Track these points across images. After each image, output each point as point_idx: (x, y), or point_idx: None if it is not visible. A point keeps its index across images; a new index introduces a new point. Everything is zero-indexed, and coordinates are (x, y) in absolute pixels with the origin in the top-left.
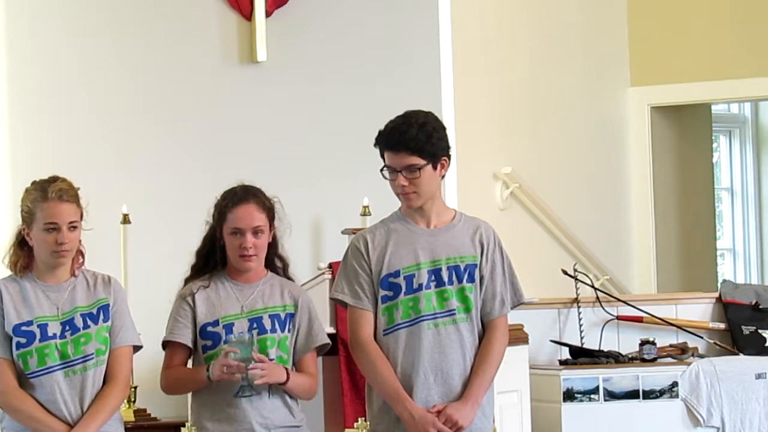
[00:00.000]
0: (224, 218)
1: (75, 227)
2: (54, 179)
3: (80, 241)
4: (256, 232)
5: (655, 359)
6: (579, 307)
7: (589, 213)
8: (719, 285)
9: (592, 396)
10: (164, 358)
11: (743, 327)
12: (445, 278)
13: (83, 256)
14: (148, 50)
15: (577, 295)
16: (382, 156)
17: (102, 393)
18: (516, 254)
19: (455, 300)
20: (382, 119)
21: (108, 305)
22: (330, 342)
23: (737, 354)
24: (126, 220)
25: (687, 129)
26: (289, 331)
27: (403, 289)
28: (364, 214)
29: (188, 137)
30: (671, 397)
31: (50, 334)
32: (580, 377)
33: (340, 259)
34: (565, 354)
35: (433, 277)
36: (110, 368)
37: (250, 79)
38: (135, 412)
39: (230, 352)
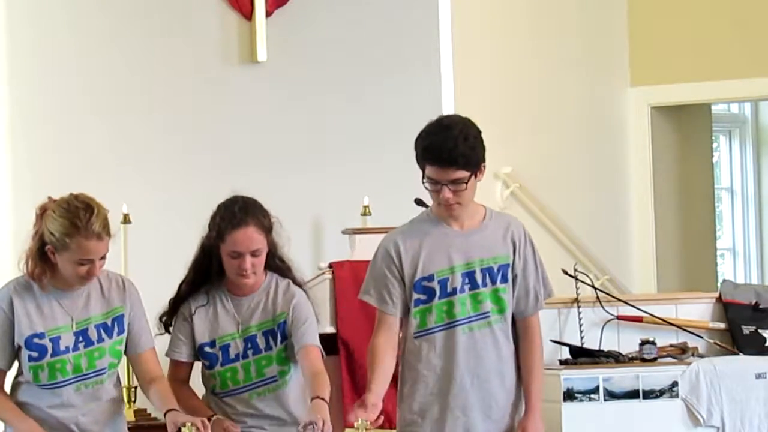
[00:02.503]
0: (222, 239)
1: (105, 257)
2: (89, 209)
3: None
4: (254, 253)
5: (655, 359)
6: (579, 307)
7: (589, 213)
8: (719, 285)
9: (592, 396)
10: (169, 368)
11: (743, 327)
12: (479, 281)
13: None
14: (148, 50)
15: (577, 295)
16: (422, 168)
17: (162, 388)
18: None
19: (489, 302)
20: (382, 118)
21: (122, 315)
22: (320, 346)
23: (737, 354)
24: (126, 220)
25: (687, 129)
26: (286, 339)
27: (438, 293)
28: (364, 214)
29: (188, 137)
30: (671, 396)
31: (63, 348)
32: (580, 377)
33: (341, 259)
34: (565, 354)
35: (467, 280)
36: (147, 371)
37: (250, 79)
38: (135, 412)
39: None
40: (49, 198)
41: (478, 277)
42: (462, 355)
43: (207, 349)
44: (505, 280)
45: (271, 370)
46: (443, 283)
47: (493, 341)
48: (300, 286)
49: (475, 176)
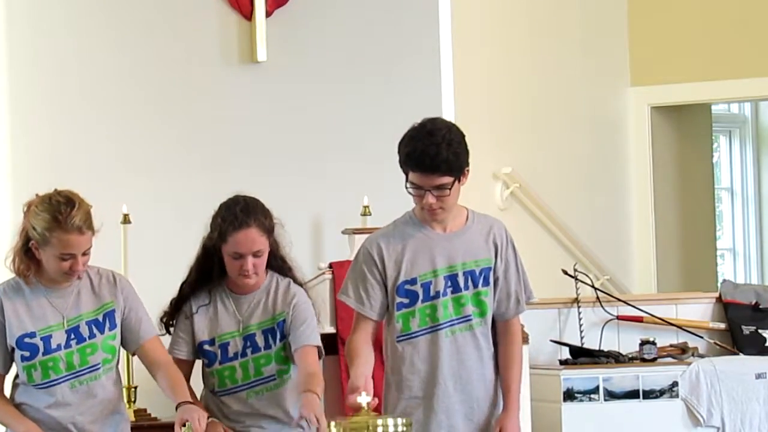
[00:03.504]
0: (224, 240)
1: (88, 252)
2: (70, 203)
3: None
4: (256, 254)
5: (655, 359)
6: (579, 307)
7: (589, 213)
8: (719, 285)
9: (592, 396)
10: None
11: (743, 327)
12: (462, 284)
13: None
14: (148, 50)
15: (577, 295)
16: (405, 173)
17: (172, 375)
18: None
19: (471, 305)
20: (382, 118)
21: (113, 311)
22: (320, 345)
23: (737, 354)
24: (126, 220)
25: (687, 129)
26: (285, 338)
27: (420, 297)
28: (364, 214)
29: (188, 137)
30: (671, 397)
31: (54, 345)
32: (581, 377)
33: (341, 259)
34: (566, 354)
35: (449, 283)
36: (153, 359)
37: (250, 79)
38: (135, 412)
39: None
40: (36, 195)
41: (461, 280)
42: (445, 359)
43: (206, 347)
44: (486, 283)
45: (269, 369)
46: (426, 287)
47: (474, 344)
48: (300, 285)
49: (459, 181)
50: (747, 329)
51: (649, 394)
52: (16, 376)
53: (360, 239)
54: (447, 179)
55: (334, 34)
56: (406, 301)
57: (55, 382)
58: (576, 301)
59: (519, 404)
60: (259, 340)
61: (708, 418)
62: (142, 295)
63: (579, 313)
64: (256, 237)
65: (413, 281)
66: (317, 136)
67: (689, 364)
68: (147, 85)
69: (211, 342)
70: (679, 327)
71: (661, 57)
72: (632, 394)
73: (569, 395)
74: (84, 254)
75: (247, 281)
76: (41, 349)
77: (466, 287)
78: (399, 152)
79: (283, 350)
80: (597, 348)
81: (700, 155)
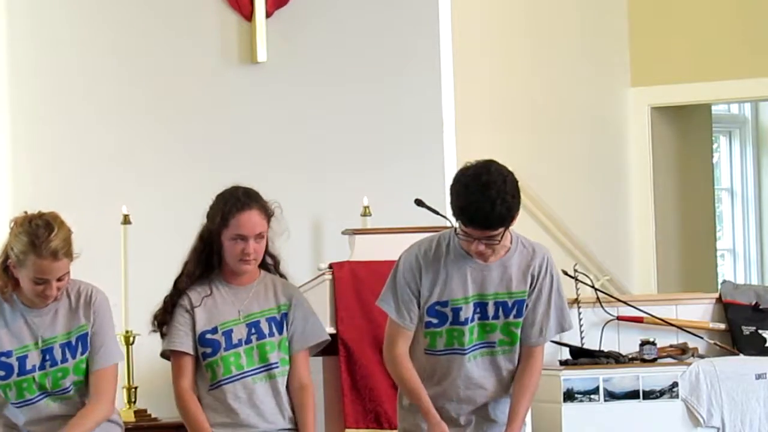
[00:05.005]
0: (226, 223)
1: (64, 278)
2: (48, 228)
3: None
4: (257, 237)
5: (655, 359)
6: (579, 308)
7: (589, 213)
8: (719, 285)
9: (593, 396)
10: (172, 367)
11: (743, 327)
12: (491, 313)
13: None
14: (148, 50)
15: (578, 295)
16: (456, 218)
17: (84, 411)
18: None
19: (498, 333)
20: (382, 119)
21: (86, 333)
22: (329, 338)
23: (737, 354)
24: (126, 220)
25: (687, 129)
26: (287, 330)
27: (449, 320)
28: (364, 215)
29: (188, 137)
30: (671, 397)
31: (29, 367)
32: (581, 377)
33: (340, 259)
34: (566, 354)
35: (478, 310)
36: (94, 387)
37: (250, 79)
38: (135, 412)
39: None
40: (25, 212)
41: (490, 309)
42: (463, 381)
43: (209, 336)
44: (520, 314)
45: (274, 356)
46: (456, 312)
47: (496, 369)
48: (285, 279)
49: (508, 227)
50: (747, 330)
51: (649, 395)
52: None
53: (360, 239)
54: (498, 231)
55: (334, 35)
56: (435, 321)
57: (29, 402)
58: (576, 301)
59: (521, 428)
60: (264, 328)
61: (708, 419)
62: (141, 295)
63: (579, 314)
64: (258, 219)
65: (445, 304)
66: (317, 136)
67: (689, 364)
68: (147, 85)
69: (214, 330)
70: (679, 327)
71: (661, 57)
72: (632, 395)
73: (569, 396)
74: (59, 279)
75: (246, 267)
76: (16, 370)
77: (496, 316)
78: (451, 200)
79: (287, 341)
80: (597, 348)
81: (700, 155)
